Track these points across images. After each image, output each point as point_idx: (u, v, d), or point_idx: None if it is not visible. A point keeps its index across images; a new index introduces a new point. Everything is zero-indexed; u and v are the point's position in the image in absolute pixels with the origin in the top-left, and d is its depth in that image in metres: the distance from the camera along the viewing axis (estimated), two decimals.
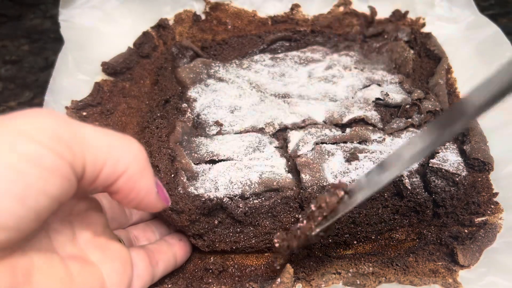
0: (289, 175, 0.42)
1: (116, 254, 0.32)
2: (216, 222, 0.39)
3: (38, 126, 0.24)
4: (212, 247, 0.40)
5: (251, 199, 0.40)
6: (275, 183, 0.40)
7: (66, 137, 0.25)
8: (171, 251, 0.38)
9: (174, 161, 0.41)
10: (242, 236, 0.41)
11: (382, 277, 0.38)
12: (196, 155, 0.43)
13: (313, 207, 0.34)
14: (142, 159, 0.29)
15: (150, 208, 0.32)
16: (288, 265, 0.38)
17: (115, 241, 0.34)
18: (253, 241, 0.41)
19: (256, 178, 0.40)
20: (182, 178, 0.39)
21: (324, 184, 0.41)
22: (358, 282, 0.38)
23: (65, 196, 0.25)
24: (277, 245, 0.35)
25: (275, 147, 0.45)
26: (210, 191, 0.39)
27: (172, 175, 0.40)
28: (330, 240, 0.42)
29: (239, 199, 0.39)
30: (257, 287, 0.38)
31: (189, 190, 0.39)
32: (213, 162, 0.43)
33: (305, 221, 0.34)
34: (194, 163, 0.42)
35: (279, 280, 0.37)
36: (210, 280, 0.40)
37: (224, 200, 0.39)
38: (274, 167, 0.42)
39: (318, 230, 0.34)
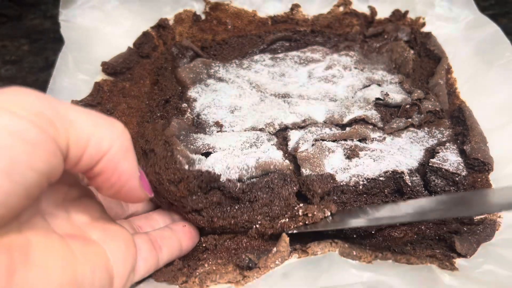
0: (286, 161, 0.42)
1: (118, 234, 0.32)
2: (214, 199, 0.39)
3: (20, 102, 0.24)
4: (210, 224, 0.39)
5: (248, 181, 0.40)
6: (271, 166, 0.40)
7: (48, 113, 0.24)
8: (176, 236, 0.38)
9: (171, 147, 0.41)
10: (239, 211, 0.40)
11: (379, 252, 0.38)
12: (192, 146, 0.42)
13: (301, 211, 0.37)
14: (126, 140, 0.29)
15: (131, 197, 0.31)
16: (283, 234, 0.38)
17: (115, 224, 0.33)
18: (251, 214, 0.40)
19: (253, 163, 0.40)
20: (178, 156, 0.39)
21: (324, 173, 0.41)
22: (354, 253, 0.37)
23: (53, 173, 0.25)
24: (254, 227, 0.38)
25: (272, 144, 0.45)
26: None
27: (169, 153, 0.39)
28: (330, 233, 0.41)
29: (236, 182, 0.39)
30: (253, 257, 0.37)
31: (186, 167, 0.39)
32: (209, 154, 0.42)
33: (287, 219, 0.37)
34: (190, 153, 0.41)
35: (275, 249, 0.37)
36: (205, 256, 0.39)
37: (221, 179, 0.39)
38: (271, 156, 0.42)
39: (295, 231, 0.38)
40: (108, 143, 0.27)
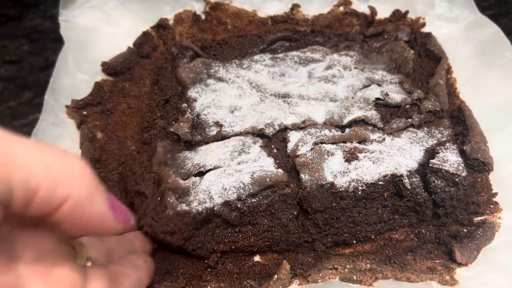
0: (280, 170, 0.42)
1: (60, 282, 0.27)
2: (213, 225, 0.40)
3: None
4: (212, 251, 0.40)
5: (248, 200, 0.40)
6: (267, 179, 0.40)
7: None
8: (136, 274, 0.34)
9: (161, 183, 0.41)
10: (240, 235, 0.41)
11: (379, 273, 0.38)
12: (183, 170, 0.42)
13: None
14: (88, 181, 0.25)
15: (107, 233, 0.27)
16: (284, 261, 0.38)
17: (65, 263, 0.28)
18: (252, 239, 0.41)
19: (248, 179, 0.40)
20: (168, 199, 0.39)
21: (323, 183, 0.41)
22: (355, 278, 0.38)
23: None
24: None
25: (260, 146, 0.45)
26: (205, 202, 0.39)
27: (158, 199, 0.39)
28: (330, 239, 0.42)
29: (236, 201, 0.39)
30: (254, 284, 0.38)
31: (179, 209, 0.38)
32: (201, 174, 0.42)
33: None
34: (183, 179, 0.41)
35: (276, 276, 0.37)
36: (208, 278, 0.40)
37: (215, 209, 0.39)
38: (263, 166, 0.42)
39: None
40: (64, 190, 0.23)
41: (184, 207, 0.39)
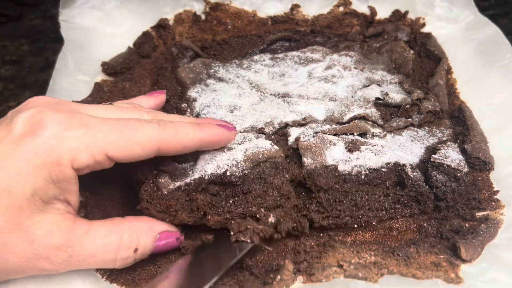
0: (275, 146, 0.42)
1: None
2: (207, 199, 0.39)
3: None
4: (205, 222, 0.40)
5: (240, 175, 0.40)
6: (260, 156, 0.40)
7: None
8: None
9: (158, 167, 0.41)
10: (234, 205, 0.40)
11: (384, 268, 0.38)
12: (180, 158, 0.42)
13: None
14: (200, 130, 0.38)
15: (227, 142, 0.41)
16: (287, 261, 0.38)
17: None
18: (246, 206, 0.40)
19: (241, 157, 0.40)
20: (161, 180, 0.39)
21: (327, 164, 0.41)
22: (360, 275, 0.37)
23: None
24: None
25: (260, 139, 0.45)
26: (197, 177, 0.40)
27: (151, 182, 0.40)
28: (331, 221, 0.41)
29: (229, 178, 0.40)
30: (257, 283, 0.37)
31: (171, 187, 0.39)
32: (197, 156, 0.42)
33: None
34: (179, 163, 0.42)
35: (279, 277, 0.37)
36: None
37: (206, 178, 0.39)
38: (259, 144, 0.42)
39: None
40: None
41: (177, 185, 0.39)
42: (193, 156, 0.42)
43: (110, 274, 0.38)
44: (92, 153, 0.32)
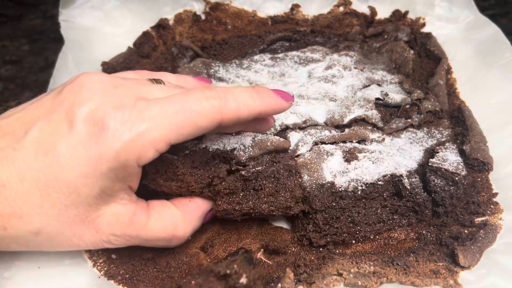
0: (283, 138, 0.43)
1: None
2: (221, 174, 0.39)
3: None
4: (216, 201, 0.40)
5: (250, 165, 0.40)
6: (269, 143, 0.41)
7: None
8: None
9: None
10: (245, 198, 0.40)
11: (384, 277, 0.38)
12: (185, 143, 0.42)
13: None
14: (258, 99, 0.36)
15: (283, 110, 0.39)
16: (288, 269, 0.38)
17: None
18: (257, 202, 0.40)
19: (249, 142, 0.41)
20: (168, 156, 0.39)
21: (323, 182, 0.41)
22: (360, 283, 0.38)
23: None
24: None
25: None
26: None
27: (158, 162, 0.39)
28: (329, 239, 0.42)
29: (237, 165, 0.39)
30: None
31: (176, 161, 0.38)
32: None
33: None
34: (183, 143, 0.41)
35: (279, 286, 0.37)
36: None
37: (210, 151, 0.39)
38: (267, 134, 0.43)
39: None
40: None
41: (183, 154, 0.39)
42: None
43: (107, 270, 0.38)
44: (156, 149, 0.32)
